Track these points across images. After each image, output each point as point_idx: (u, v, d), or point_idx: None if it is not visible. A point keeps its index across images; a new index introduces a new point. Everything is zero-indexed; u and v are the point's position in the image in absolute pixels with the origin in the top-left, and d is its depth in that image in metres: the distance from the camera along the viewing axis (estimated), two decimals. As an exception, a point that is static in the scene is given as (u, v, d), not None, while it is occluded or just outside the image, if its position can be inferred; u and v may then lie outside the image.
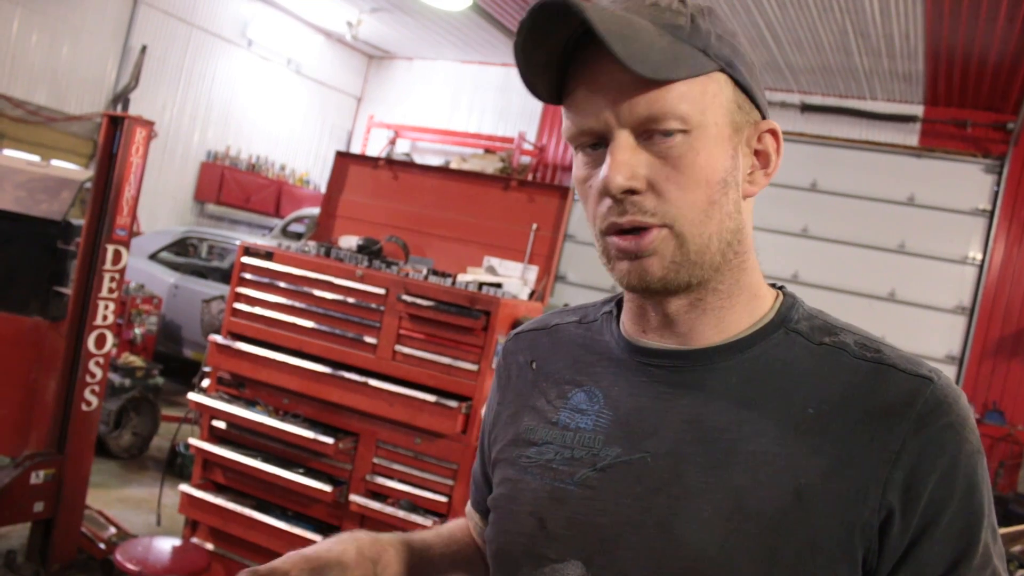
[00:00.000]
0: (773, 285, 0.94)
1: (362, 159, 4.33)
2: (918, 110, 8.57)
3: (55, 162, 6.40)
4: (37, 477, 3.65)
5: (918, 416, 0.79)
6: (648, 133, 0.81)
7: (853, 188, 8.62)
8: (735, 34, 0.86)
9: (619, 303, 1.00)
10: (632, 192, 0.81)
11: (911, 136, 8.58)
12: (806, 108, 9.03)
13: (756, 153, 0.89)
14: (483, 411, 1.13)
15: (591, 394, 0.93)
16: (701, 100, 0.81)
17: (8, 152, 7.92)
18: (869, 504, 0.77)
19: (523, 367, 1.04)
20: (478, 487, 1.14)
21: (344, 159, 4.25)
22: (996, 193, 8.07)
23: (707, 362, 0.87)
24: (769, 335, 0.87)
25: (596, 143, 0.84)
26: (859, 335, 0.87)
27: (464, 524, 1.19)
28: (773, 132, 0.89)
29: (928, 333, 8.23)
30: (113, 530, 4.05)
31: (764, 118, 0.89)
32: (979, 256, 8.13)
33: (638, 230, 0.82)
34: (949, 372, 8.04)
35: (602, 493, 0.86)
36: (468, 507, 1.19)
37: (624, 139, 0.81)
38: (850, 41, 7.42)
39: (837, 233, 8.64)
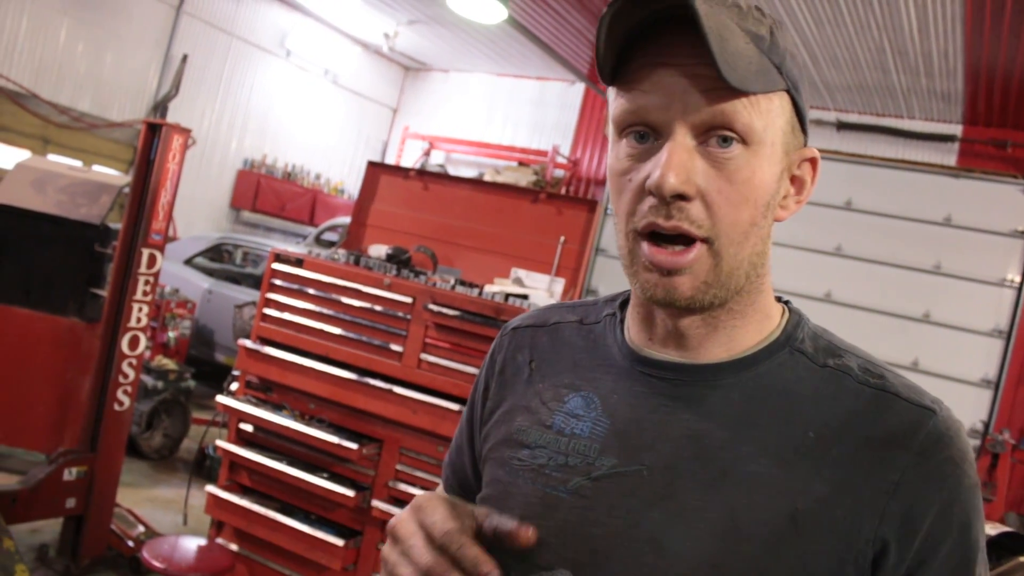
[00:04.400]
0: (779, 299, 0.92)
1: (393, 169, 4.38)
2: (956, 130, 8.46)
3: (96, 167, 6.53)
4: (70, 474, 3.72)
5: (920, 448, 0.78)
6: (706, 137, 0.78)
7: (888, 207, 8.51)
8: (796, 54, 0.85)
9: (623, 305, 0.97)
10: (682, 197, 0.77)
11: (949, 156, 8.47)
12: (842, 126, 8.96)
13: (792, 179, 0.87)
14: (467, 406, 1.09)
15: (588, 400, 0.90)
16: (767, 116, 0.80)
17: (52, 157, 8.12)
18: (864, 534, 0.76)
19: (520, 365, 1.01)
20: (462, 481, 1.10)
21: (375, 169, 4.30)
22: (1036, 215, 7.93)
23: (711, 378, 0.85)
24: (774, 354, 0.86)
25: (645, 134, 0.80)
26: (863, 358, 0.85)
27: None
28: (813, 161, 0.88)
29: (963, 356, 8.09)
30: (141, 528, 4.12)
31: (806, 144, 0.88)
32: (1017, 279, 7.98)
33: (676, 241, 0.79)
34: (984, 397, 7.89)
35: (595, 503, 0.84)
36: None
37: (683, 138, 0.78)
38: (887, 59, 7.36)
39: (871, 252, 8.53)
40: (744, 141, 0.79)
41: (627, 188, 0.82)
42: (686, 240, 0.79)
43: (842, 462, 0.79)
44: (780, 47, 0.81)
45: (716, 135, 0.78)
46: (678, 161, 0.77)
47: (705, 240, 0.79)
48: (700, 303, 0.82)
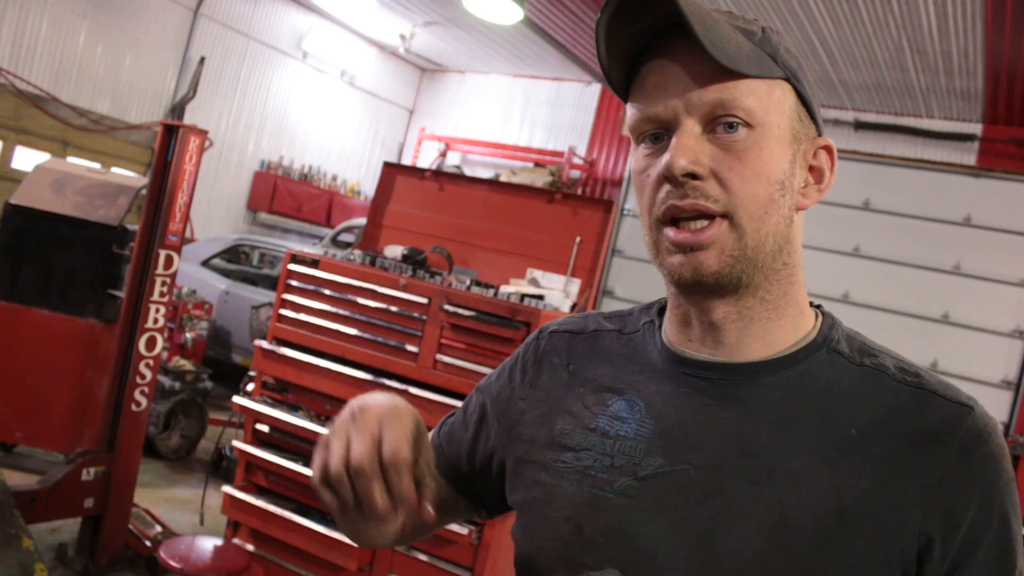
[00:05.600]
0: (811, 304, 0.94)
1: (409, 170, 4.38)
2: (976, 129, 8.39)
3: (114, 169, 6.56)
4: (88, 474, 3.74)
5: (961, 444, 0.80)
6: (713, 125, 0.82)
7: (907, 208, 8.44)
8: (797, 55, 0.89)
9: (660, 312, 0.99)
10: (694, 177, 0.81)
11: (969, 155, 8.39)
12: (860, 126, 8.89)
13: (810, 169, 0.89)
14: (484, 390, 1.08)
15: (632, 403, 0.92)
16: (768, 100, 0.83)
17: (71, 159, 8.19)
18: (908, 528, 0.78)
19: (557, 368, 1.02)
20: (452, 451, 1.10)
21: (391, 170, 4.30)
22: (1057, 214, 7.84)
23: (752, 376, 0.87)
24: (813, 353, 0.87)
25: (659, 134, 0.85)
26: (897, 358, 0.87)
27: None
28: (828, 149, 0.90)
29: (983, 357, 8.01)
30: (159, 528, 4.14)
31: (820, 135, 0.90)
32: (1039, 279, 7.90)
33: (697, 220, 0.82)
34: (1005, 398, 7.82)
35: (643, 503, 0.86)
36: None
37: (689, 127, 0.82)
38: (906, 58, 7.30)
39: (890, 253, 8.46)
40: (749, 124, 0.82)
41: (646, 184, 0.86)
42: (706, 218, 0.83)
43: (885, 458, 0.80)
44: (772, 42, 0.85)
45: (722, 122, 0.82)
46: (686, 144, 0.82)
47: (724, 215, 0.82)
48: (728, 279, 0.84)
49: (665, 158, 0.82)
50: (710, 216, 0.83)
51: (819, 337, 0.89)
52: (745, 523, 0.80)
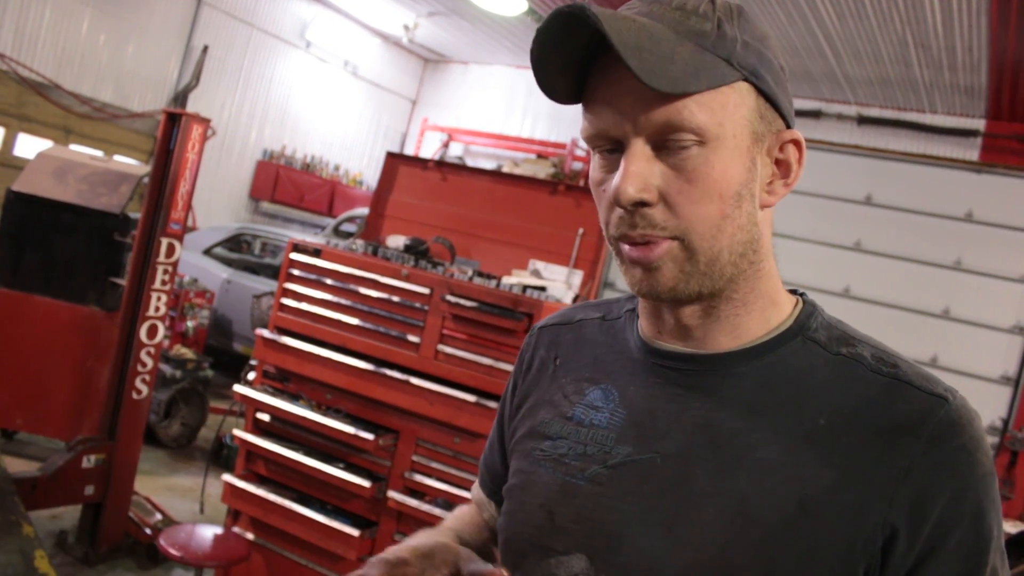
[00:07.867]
0: (793, 291, 0.94)
1: (412, 160, 4.38)
2: (980, 124, 8.37)
3: (117, 157, 6.56)
4: (88, 461, 3.76)
5: (930, 436, 0.78)
6: (664, 142, 0.80)
7: (909, 203, 8.43)
8: (764, 37, 0.84)
9: None
10: (643, 204, 0.81)
11: (971, 151, 8.38)
12: (863, 120, 8.88)
13: (777, 162, 0.87)
14: (499, 408, 1.14)
15: (607, 392, 0.94)
16: (720, 112, 0.80)
17: (74, 147, 8.18)
18: (872, 519, 0.77)
19: (545, 361, 1.05)
20: (495, 476, 1.13)
21: (394, 160, 4.30)
22: (1060, 211, 7.84)
23: (722, 367, 0.87)
24: (786, 342, 0.87)
25: (612, 147, 0.84)
26: (877, 348, 0.86)
27: (471, 512, 1.19)
28: (796, 142, 0.87)
29: (984, 352, 8.01)
30: (159, 516, 4.15)
31: (789, 126, 0.87)
32: (1040, 275, 7.89)
33: (648, 242, 0.82)
34: (1004, 394, 7.83)
35: (610, 490, 0.87)
36: (479, 495, 1.18)
37: (639, 148, 0.80)
38: (910, 53, 7.28)
39: (891, 248, 8.45)
40: (701, 141, 0.80)
41: (603, 198, 0.86)
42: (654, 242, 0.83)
43: (852, 449, 0.80)
44: (728, 38, 0.81)
45: (672, 138, 0.80)
46: (634, 171, 0.80)
47: (672, 239, 0.82)
48: (684, 293, 0.84)
49: (616, 183, 0.82)
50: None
51: (794, 326, 0.88)
52: (707, 512, 0.81)
